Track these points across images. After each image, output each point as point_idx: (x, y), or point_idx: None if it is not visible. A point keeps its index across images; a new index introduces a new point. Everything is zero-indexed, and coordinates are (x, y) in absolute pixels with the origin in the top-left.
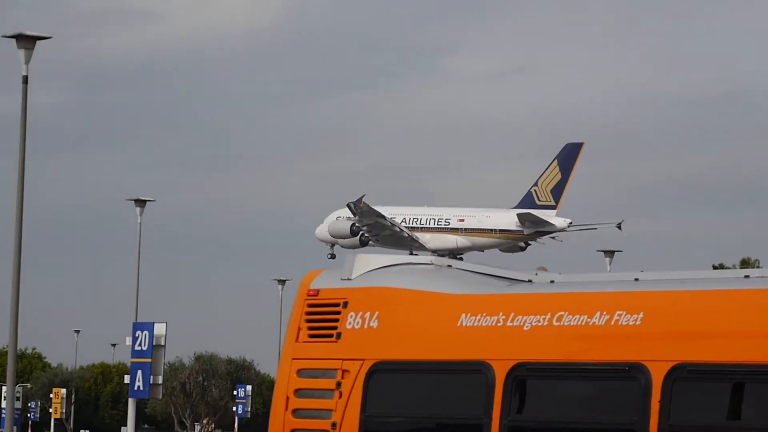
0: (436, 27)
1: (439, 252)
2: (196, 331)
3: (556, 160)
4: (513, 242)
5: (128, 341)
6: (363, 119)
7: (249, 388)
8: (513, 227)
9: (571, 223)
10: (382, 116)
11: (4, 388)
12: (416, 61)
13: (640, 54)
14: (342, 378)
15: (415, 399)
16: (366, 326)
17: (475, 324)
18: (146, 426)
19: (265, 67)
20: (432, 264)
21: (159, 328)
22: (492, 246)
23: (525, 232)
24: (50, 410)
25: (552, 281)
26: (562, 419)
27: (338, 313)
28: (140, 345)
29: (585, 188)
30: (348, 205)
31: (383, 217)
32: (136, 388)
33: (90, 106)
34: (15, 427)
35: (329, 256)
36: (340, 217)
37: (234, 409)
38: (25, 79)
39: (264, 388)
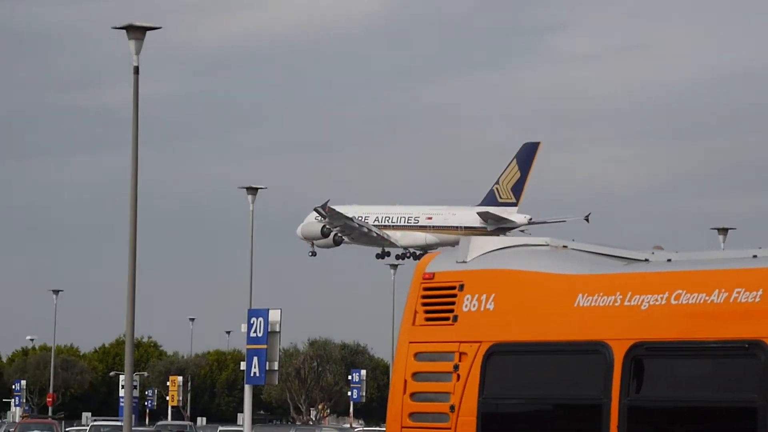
0: (540, 7)
1: (409, 249)
2: (310, 317)
3: (515, 159)
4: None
5: (243, 328)
6: (468, 102)
7: (363, 372)
8: (476, 224)
9: (531, 219)
10: (487, 98)
11: (122, 377)
12: (520, 41)
13: (748, 31)
14: (459, 361)
15: (532, 380)
16: (482, 308)
17: (592, 304)
18: (262, 412)
19: (371, 51)
20: (547, 245)
21: (274, 315)
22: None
23: (488, 229)
24: (167, 398)
25: (669, 260)
26: (682, 398)
27: (454, 296)
28: (255, 332)
29: (689, 165)
30: (315, 210)
31: (350, 219)
32: (252, 374)
33: (200, 94)
34: (133, 415)
35: (310, 253)
36: (316, 219)
37: (349, 394)
38: (136, 70)
39: (378, 372)
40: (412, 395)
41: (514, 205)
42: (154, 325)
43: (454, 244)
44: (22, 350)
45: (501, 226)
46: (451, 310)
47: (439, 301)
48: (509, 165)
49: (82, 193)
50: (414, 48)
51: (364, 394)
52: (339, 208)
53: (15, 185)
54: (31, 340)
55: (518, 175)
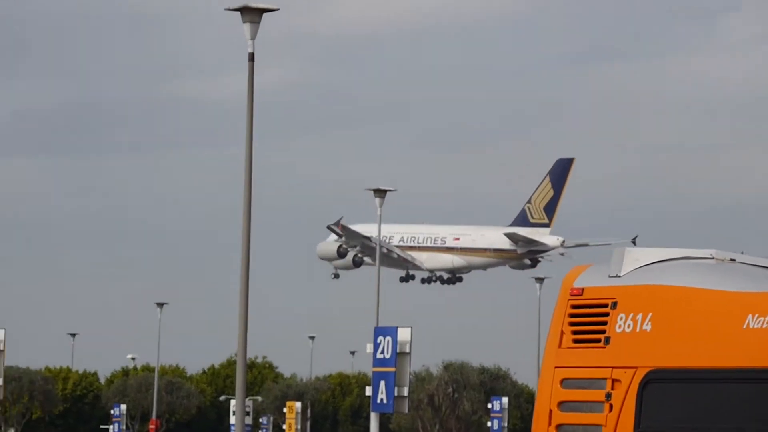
0: None
1: (435, 272)
2: (445, 337)
3: (548, 176)
4: (510, 261)
5: (369, 348)
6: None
7: (505, 400)
8: (507, 246)
9: (563, 242)
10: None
11: (233, 402)
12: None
13: None
14: (612, 388)
15: (697, 411)
16: (638, 329)
17: (765, 326)
18: None
19: (516, 37)
20: (712, 258)
21: (403, 334)
22: (489, 265)
23: (519, 251)
24: (283, 426)
25: None
26: None
27: (606, 314)
28: (383, 352)
29: None
30: (329, 228)
31: (368, 238)
32: (378, 400)
33: (321, 84)
34: None
35: (333, 275)
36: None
37: (488, 424)
38: (251, 57)
39: (522, 400)
40: (558, 427)
41: (547, 225)
42: (270, 344)
43: (483, 267)
44: (122, 370)
45: (532, 249)
46: (603, 331)
47: (588, 321)
48: (542, 183)
49: (191, 194)
50: (563, 37)
51: (505, 424)
52: (358, 227)
53: (106, 185)
54: (132, 359)
55: (551, 193)
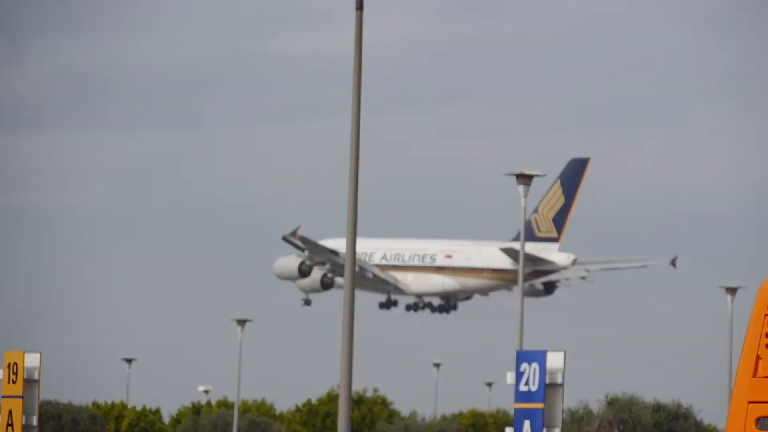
0: None
1: (423, 297)
2: (608, 365)
3: (558, 181)
4: (512, 283)
5: (510, 378)
6: None
7: None
8: (507, 265)
9: (575, 260)
10: None
11: None
12: None
13: None
14: None
15: None
16: None
17: None
18: None
19: None
20: None
21: (554, 359)
22: (487, 289)
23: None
24: None
25: None
26: None
27: None
28: (527, 383)
29: None
30: (284, 239)
31: (335, 253)
32: None
33: (440, 44)
34: None
35: (303, 302)
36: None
37: None
38: (360, 5)
39: None
40: None
41: (556, 240)
42: (383, 374)
43: (481, 291)
44: (192, 407)
45: (538, 269)
46: None
47: None
48: (551, 188)
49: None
50: None
51: None
52: (334, 242)
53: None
54: (206, 392)
55: (561, 201)
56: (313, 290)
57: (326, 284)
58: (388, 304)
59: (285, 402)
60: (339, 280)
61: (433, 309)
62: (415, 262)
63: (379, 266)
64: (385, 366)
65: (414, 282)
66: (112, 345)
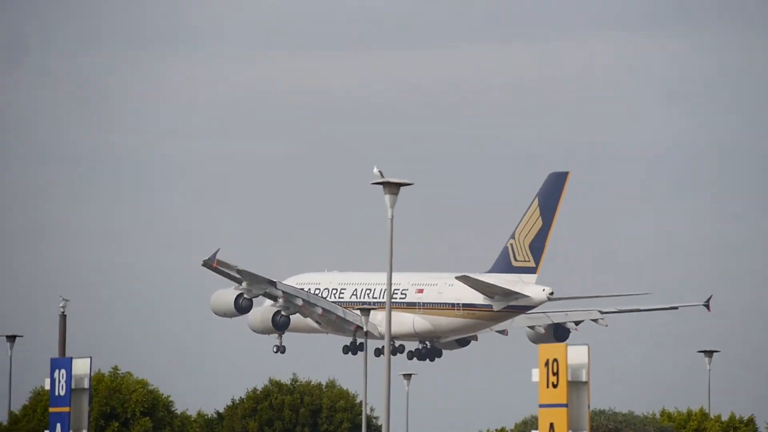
0: None
1: (395, 339)
2: None
3: (536, 199)
4: (491, 322)
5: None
6: None
7: None
8: (480, 300)
9: (552, 293)
10: None
11: None
12: None
13: None
14: None
15: None
16: None
17: None
18: None
19: None
20: None
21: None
22: (460, 330)
23: (494, 308)
24: None
25: None
26: None
27: None
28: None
29: None
30: (204, 264)
31: (272, 283)
32: None
33: None
34: None
35: (275, 348)
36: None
37: None
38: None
39: None
40: None
41: (533, 271)
42: None
43: (457, 332)
44: None
45: (511, 304)
46: None
47: None
48: (529, 208)
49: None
50: None
51: None
52: (308, 277)
53: None
54: None
55: (539, 223)
56: (267, 331)
57: (279, 325)
58: (353, 349)
59: None
60: (297, 318)
61: (411, 356)
62: (385, 299)
63: (341, 304)
64: None
65: (383, 322)
66: None
